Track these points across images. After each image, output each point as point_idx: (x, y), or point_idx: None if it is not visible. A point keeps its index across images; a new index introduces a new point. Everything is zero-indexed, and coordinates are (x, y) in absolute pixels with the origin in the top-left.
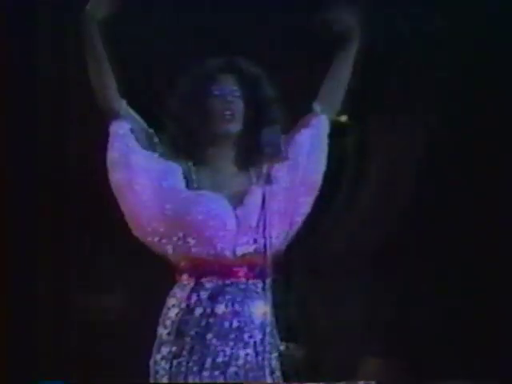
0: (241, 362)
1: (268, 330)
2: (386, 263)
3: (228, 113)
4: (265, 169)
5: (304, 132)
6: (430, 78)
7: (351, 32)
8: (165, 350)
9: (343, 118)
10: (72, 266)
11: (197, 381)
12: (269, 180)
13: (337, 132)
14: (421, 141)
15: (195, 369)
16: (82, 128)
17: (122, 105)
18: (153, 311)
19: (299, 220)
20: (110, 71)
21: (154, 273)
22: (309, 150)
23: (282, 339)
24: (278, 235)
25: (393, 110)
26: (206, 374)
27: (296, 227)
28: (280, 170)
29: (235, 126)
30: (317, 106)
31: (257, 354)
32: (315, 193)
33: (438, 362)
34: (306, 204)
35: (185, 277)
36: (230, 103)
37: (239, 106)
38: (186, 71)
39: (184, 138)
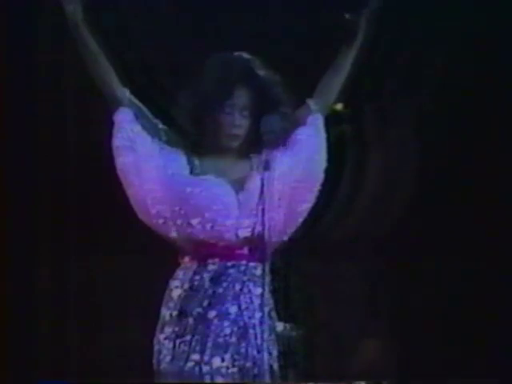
0: (241, 342)
1: (266, 311)
2: (386, 248)
3: (234, 134)
4: (264, 155)
5: (303, 131)
6: (429, 67)
7: (356, 32)
8: (168, 330)
9: (339, 107)
10: (72, 260)
11: (198, 360)
12: (267, 166)
13: (333, 120)
14: (419, 129)
15: (197, 348)
16: (84, 123)
17: (125, 93)
18: (156, 294)
19: (302, 215)
20: (107, 63)
21: (157, 255)
22: (308, 148)
23: (280, 320)
24: (279, 220)
25: (390, 99)
26: (207, 353)
27: (299, 221)
28: (279, 158)
29: (238, 143)
30: (312, 104)
31: (255, 335)
32: (317, 189)
33: (437, 355)
34: (308, 201)
35: (188, 259)
36: (237, 127)
37: (246, 126)
38: (202, 70)
39: (190, 133)
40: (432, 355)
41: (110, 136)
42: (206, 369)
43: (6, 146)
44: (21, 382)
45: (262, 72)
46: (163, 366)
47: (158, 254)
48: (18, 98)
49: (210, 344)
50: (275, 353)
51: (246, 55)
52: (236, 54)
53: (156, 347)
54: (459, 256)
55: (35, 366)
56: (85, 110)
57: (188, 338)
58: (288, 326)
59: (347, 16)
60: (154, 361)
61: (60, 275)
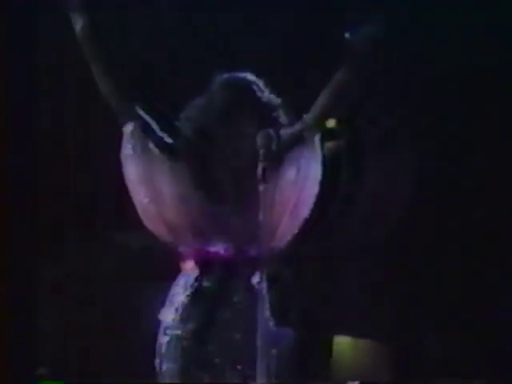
0: (241, 346)
1: (265, 316)
2: (384, 254)
3: (236, 155)
4: (260, 169)
5: (299, 145)
6: (427, 80)
7: (353, 51)
8: (170, 334)
9: (334, 122)
10: (72, 262)
11: (199, 362)
12: (264, 179)
13: (328, 135)
14: (415, 141)
15: (200, 352)
16: (84, 124)
17: (134, 107)
18: (158, 298)
19: (299, 224)
20: (116, 78)
21: (160, 261)
22: (304, 162)
23: (278, 325)
24: (277, 230)
25: (386, 113)
26: (208, 356)
27: (296, 230)
28: (275, 171)
29: (240, 161)
30: (308, 119)
31: (254, 339)
32: (312, 200)
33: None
34: (303, 211)
35: (190, 266)
36: (239, 149)
37: (248, 146)
38: (208, 88)
39: (195, 148)
40: (431, 355)
41: (110, 135)
42: (206, 372)
43: (6, 146)
44: (21, 382)
45: (264, 95)
46: (165, 368)
47: (160, 258)
48: (18, 98)
49: (210, 348)
50: (273, 357)
51: (249, 77)
52: (240, 75)
53: (158, 350)
54: (459, 260)
55: (35, 366)
56: (85, 110)
57: (189, 341)
58: (285, 330)
59: (346, 35)
60: (157, 363)
61: (61, 275)
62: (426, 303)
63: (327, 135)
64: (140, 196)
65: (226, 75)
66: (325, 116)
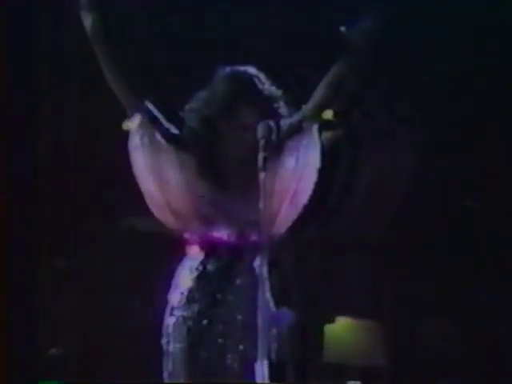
0: (243, 329)
1: (266, 300)
2: (384, 241)
3: (239, 147)
4: (260, 158)
5: (298, 135)
6: (425, 73)
7: (348, 45)
8: (176, 314)
9: (329, 114)
10: (72, 253)
11: (204, 342)
12: (264, 168)
13: (326, 125)
14: (413, 133)
15: (204, 332)
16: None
17: (142, 99)
18: (159, 291)
19: (298, 211)
20: (124, 71)
21: (164, 245)
22: (303, 151)
23: (279, 309)
24: (277, 216)
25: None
26: (212, 336)
27: (296, 216)
28: (275, 160)
29: (243, 151)
30: (307, 110)
31: (255, 324)
32: (312, 187)
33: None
34: (303, 198)
35: (195, 251)
36: (241, 143)
37: (250, 138)
38: (211, 81)
39: (200, 139)
40: (432, 354)
41: (109, 134)
42: (210, 351)
43: (6, 145)
44: (21, 382)
45: (265, 88)
46: (171, 347)
47: (164, 244)
48: (18, 98)
49: (214, 328)
50: (273, 336)
51: (251, 70)
52: (242, 69)
53: (165, 331)
54: (459, 259)
55: (35, 366)
56: (85, 109)
57: (194, 322)
58: (285, 311)
59: (343, 29)
60: (163, 343)
61: (60, 273)
62: (426, 302)
63: (325, 126)
64: (147, 185)
65: (228, 69)
66: (322, 107)
